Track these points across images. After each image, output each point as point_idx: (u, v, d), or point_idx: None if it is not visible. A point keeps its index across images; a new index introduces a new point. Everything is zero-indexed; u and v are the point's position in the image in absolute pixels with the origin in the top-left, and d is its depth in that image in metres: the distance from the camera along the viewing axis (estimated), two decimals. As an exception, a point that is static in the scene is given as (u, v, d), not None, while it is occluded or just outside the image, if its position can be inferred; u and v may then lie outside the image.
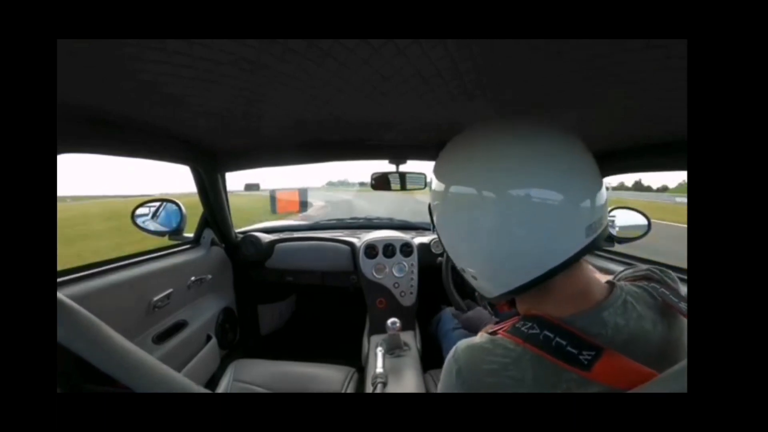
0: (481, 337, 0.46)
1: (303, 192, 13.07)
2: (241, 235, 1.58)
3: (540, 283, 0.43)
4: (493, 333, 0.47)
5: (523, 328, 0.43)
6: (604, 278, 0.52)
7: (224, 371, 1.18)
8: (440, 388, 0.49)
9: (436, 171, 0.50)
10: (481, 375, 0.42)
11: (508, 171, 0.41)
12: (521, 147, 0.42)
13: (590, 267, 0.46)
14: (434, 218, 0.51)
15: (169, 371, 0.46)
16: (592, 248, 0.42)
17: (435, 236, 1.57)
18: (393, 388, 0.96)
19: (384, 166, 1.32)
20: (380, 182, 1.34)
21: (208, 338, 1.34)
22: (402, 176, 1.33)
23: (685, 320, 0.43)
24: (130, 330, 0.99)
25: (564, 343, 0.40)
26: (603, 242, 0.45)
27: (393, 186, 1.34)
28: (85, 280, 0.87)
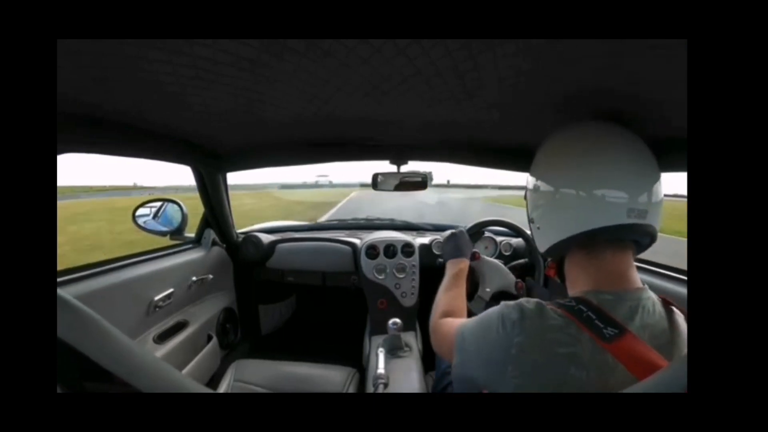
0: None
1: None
2: (242, 235, 1.58)
3: (587, 245, 0.52)
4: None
5: (562, 302, 0.49)
6: None
7: (225, 371, 1.18)
8: (479, 335, 0.52)
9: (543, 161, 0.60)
10: (545, 329, 0.45)
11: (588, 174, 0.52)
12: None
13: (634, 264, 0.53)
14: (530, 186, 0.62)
15: (170, 370, 0.46)
16: (630, 230, 0.50)
17: (436, 237, 1.57)
18: (394, 389, 0.96)
19: (385, 166, 1.32)
20: (381, 182, 1.33)
21: (209, 338, 1.34)
22: (403, 176, 1.32)
23: (682, 330, 0.48)
24: (131, 330, 0.99)
25: (594, 317, 0.45)
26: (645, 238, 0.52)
27: (394, 186, 1.34)
28: (86, 279, 0.87)
